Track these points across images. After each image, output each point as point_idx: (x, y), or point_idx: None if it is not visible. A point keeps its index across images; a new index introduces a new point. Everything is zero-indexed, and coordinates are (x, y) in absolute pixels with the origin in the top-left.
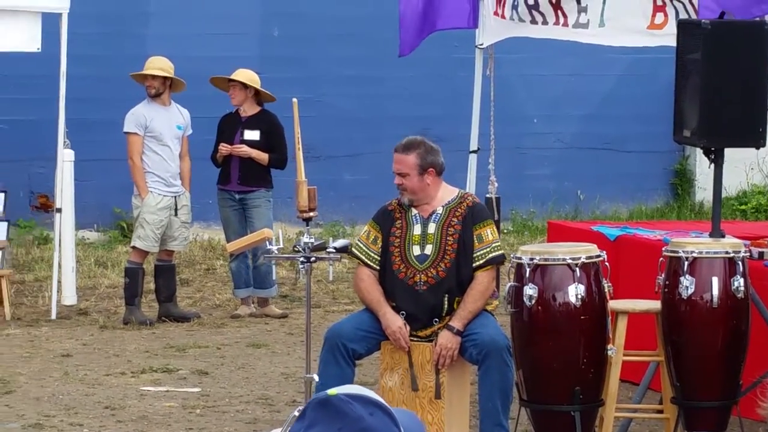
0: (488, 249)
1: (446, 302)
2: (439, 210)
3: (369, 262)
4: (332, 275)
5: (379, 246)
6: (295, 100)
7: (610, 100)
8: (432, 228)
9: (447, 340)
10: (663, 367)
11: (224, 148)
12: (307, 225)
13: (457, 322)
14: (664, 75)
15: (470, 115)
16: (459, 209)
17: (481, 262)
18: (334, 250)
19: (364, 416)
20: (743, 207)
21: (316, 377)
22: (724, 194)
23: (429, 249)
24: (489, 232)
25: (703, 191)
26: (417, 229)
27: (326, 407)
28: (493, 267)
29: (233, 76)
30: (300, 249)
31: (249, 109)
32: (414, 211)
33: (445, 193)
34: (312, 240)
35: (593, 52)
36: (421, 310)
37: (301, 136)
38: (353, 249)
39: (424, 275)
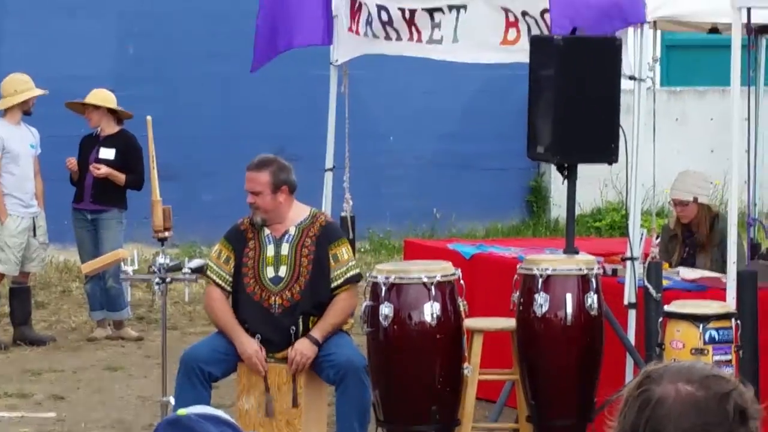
0: (345, 269)
1: (301, 324)
2: (292, 230)
3: (221, 283)
4: (188, 296)
5: (231, 266)
6: (149, 117)
7: (466, 117)
8: (285, 249)
9: (304, 347)
10: (518, 385)
11: (71, 162)
12: (163, 245)
13: (317, 333)
14: (519, 91)
15: (326, 133)
16: (312, 229)
17: (340, 282)
18: (189, 271)
19: None
20: (598, 224)
21: (172, 400)
22: (578, 211)
23: (283, 270)
24: (344, 252)
25: (558, 208)
26: (270, 250)
27: (177, 427)
28: (352, 286)
29: (87, 99)
30: (155, 270)
31: (107, 129)
32: (266, 231)
33: (297, 212)
34: (167, 260)
35: (448, 69)
36: (276, 332)
37: (158, 155)
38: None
39: (279, 297)
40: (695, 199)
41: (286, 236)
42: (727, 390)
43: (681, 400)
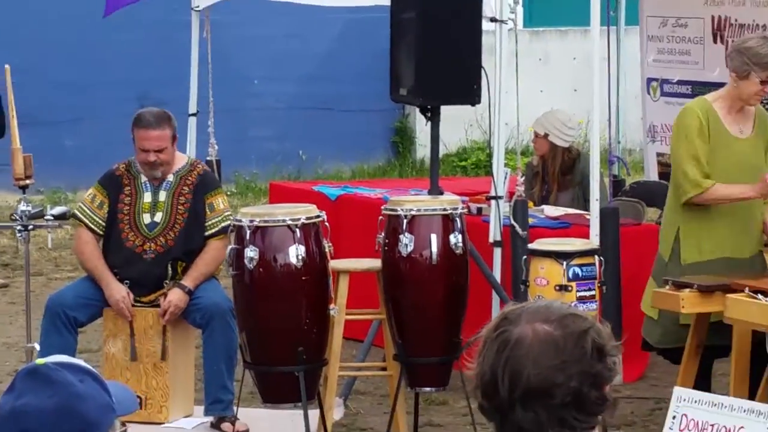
0: (220, 218)
1: (170, 269)
2: (170, 178)
3: (93, 227)
4: (52, 242)
5: (105, 211)
6: (7, 66)
7: (330, 60)
8: (163, 196)
9: (177, 297)
10: (385, 324)
11: None
12: (24, 192)
13: (188, 281)
14: (383, 34)
15: (189, 78)
16: (190, 177)
17: (214, 231)
18: (52, 218)
19: (74, 383)
20: (463, 163)
21: (37, 346)
22: (444, 151)
23: (159, 217)
24: (220, 201)
25: (424, 149)
26: (147, 197)
27: (35, 377)
28: (225, 235)
29: None
30: (17, 217)
31: None
32: (143, 177)
33: (175, 160)
34: (29, 208)
35: (310, 13)
36: (146, 277)
37: (18, 103)
38: (76, 212)
39: (154, 243)
40: (546, 135)
41: (165, 183)
42: (585, 328)
43: (539, 340)
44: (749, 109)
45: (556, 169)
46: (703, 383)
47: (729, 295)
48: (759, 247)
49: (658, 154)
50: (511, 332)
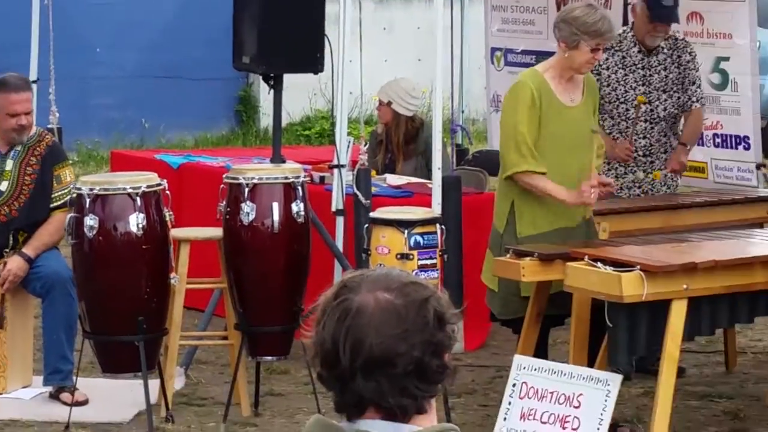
0: (67, 190)
1: (11, 238)
2: (18, 147)
3: None
4: None
5: None
6: None
7: (173, 27)
8: (9, 165)
9: (17, 265)
10: (227, 293)
11: None
12: None
13: (29, 250)
14: (227, 2)
15: (29, 45)
16: (38, 148)
17: (59, 203)
18: None
19: None
20: (307, 132)
21: None
22: (288, 120)
23: (5, 186)
24: (68, 174)
25: (267, 117)
26: None
27: None
28: (70, 208)
29: None
30: None
31: None
32: None
33: None
34: None
35: None
36: None
37: None
38: None
39: None
40: (389, 104)
41: (12, 152)
42: (426, 296)
43: (381, 308)
44: (578, 77)
45: (399, 138)
46: (540, 351)
47: (569, 264)
48: (588, 213)
49: None
50: (352, 300)
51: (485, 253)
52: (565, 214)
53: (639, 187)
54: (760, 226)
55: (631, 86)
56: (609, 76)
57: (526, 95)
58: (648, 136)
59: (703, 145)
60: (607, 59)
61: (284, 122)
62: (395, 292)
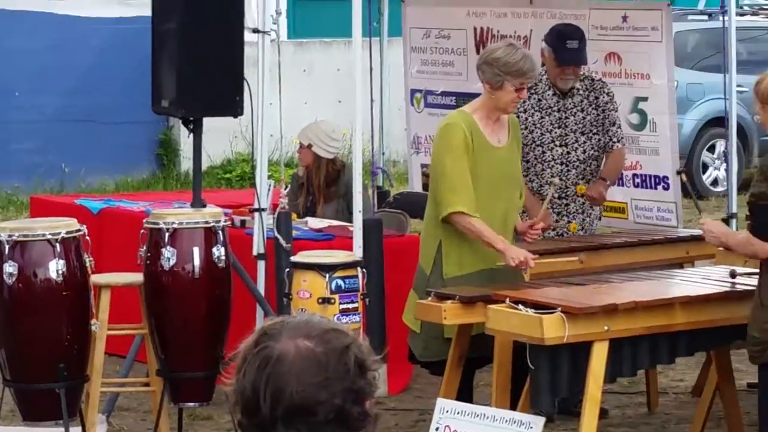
0: None
1: None
2: None
3: None
4: None
5: None
6: None
7: (93, 71)
8: None
9: None
10: (148, 339)
11: None
12: None
13: None
14: (146, 46)
15: None
16: None
17: None
18: None
19: None
20: (228, 175)
21: None
22: (209, 163)
23: None
24: None
25: (188, 161)
26: None
27: None
28: None
29: None
30: None
31: None
32: None
33: None
34: None
35: (71, 24)
36: None
37: None
38: None
39: None
40: (309, 146)
41: None
42: (346, 344)
43: (301, 356)
44: (503, 117)
45: (320, 181)
46: (464, 394)
47: (490, 306)
48: None
49: (422, 165)
50: (272, 348)
51: (407, 294)
52: (490, 255)
53: (553, 230)
54: (680, 266)
55: (547, 129)
56: (526, 119)
57: (458, 136)
58: (564, 178)
59: (623, 185)
60: (524, 102)
61: (205, 165)
62: (316, 339)
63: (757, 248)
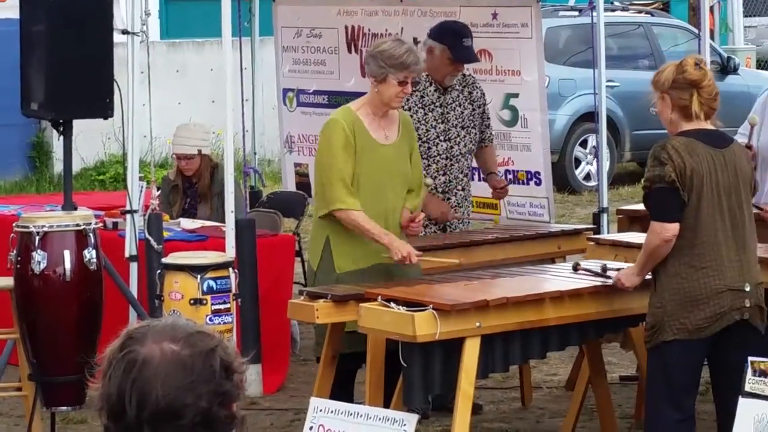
0: None
1: None
2: None
3: None
4: None
5: None
6: None
7: None
8: None
9: None
10: (19, 344)
11: None
12: None
13: None
14: (15, 48)
15: None
16: None
17: None
18: None
19: None
20: (102, 177)
21: None
22: (82, 165)
23: None
24: None
25: (61, 163)
26: None
27: None
28: None
29: None
30: None
31: None
32: None
33: None
34: None
35: None
36: None
37: None
38: None
39: None
40: (199, 152)
41: None
42: (212, 346)
43: (167, 360)
44: (393, 113)
45: (206, 182)
46: (345, 392)
47: (362, 305)
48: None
49: (296, 165)
50: (137, 352)
51: (282, 294)
52: (383, 250)
53: (435, 224)
54: (552, 261)
55: (431, 125)
56: (410, 116)
57: (339, 133)
58: (447, 173)
59: None
60: (407, 99)
61: (78, 167)
62: (181, 342)
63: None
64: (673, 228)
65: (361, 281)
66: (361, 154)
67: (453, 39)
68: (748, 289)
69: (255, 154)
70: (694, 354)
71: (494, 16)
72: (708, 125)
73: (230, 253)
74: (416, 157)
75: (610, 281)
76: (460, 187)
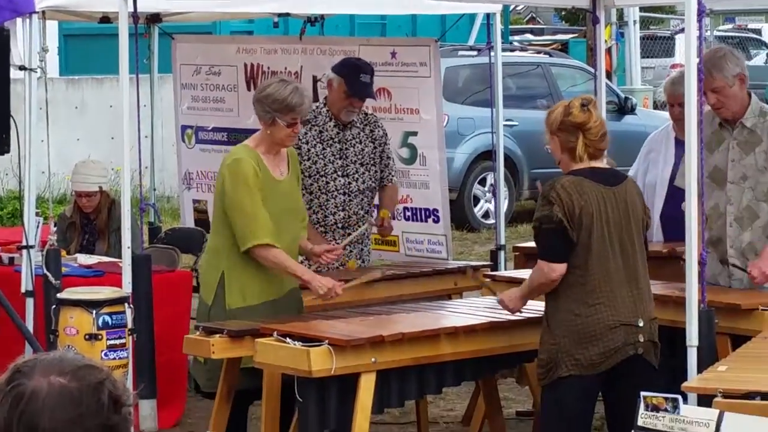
0: None
1: None
2: None
3: None
4: None
5: None
6: None
7: None
8: None
9: None
10: None
11: None
12: None
13: None
14: None
15: None
16: None
17: None
18: None
19: None
20: (0, 213)
21: None
22: None
23: None
24: None
25: None
26: None
27: None
28: None
29: None
30: None
31: None
32: None
33: None
34: None
35: None
36: None
37: None
38: None
39: None
40: (100, 189)
41: None
42: (100, 379)
43: (55, 393)
44: (283, 150)
45: (105, 217)
46: (239, 428)
47: (258, 340)
48: (295, 283)
49: (195, 201)
50: (25, 385)
51: (179, 329)
52: (273, 286)
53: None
54: (449, 297)
55: (329, 159)
56: (308, 150)
57: (250, 170)
58: (346, 208)
59: (394, 218)
60: (305, 133)
61: None
62: (69, 375)
63: (535, 277)
64: (560, 268)
65: (251, 318)
66: (264, 190)
67: (351, 72)
68: (641, 324)
69: (154, 190)
70: (589, 389)
71: (393, 54)
72: (599, 163)
73: (126, 288)
74: (299, 190)
75: (503, 318)
76: (360, 224)
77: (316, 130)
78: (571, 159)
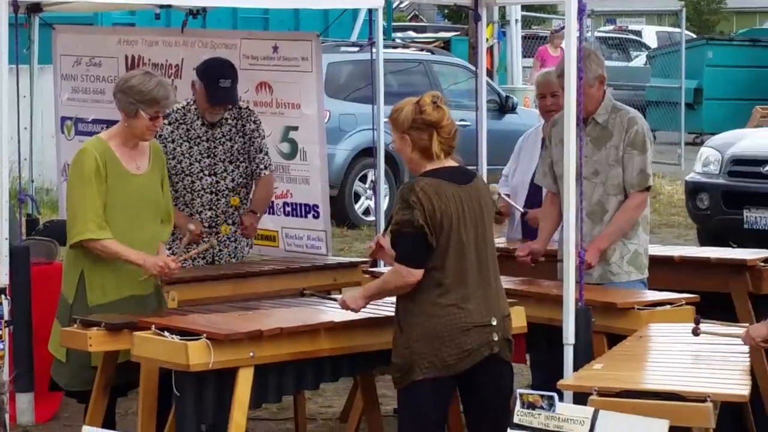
0: None
1: None
2: None
3: None
4: None
5: None
6: None
7: None
8: None
9: None
10: None
11: None
12: None
13: None
14: None
15: None
16: None
17: None
18: None
19: None
20: None
21: None
22: None
23: None
24: None
25: None
26: None
27: None
28: None
29: None
30: None
31: None
32: None
33: None
34: None
35: None
36: None
37: None
38: None
39: None
40: None
41: None
42: None
43: None
44: (144, 144)
45: None
46: (108, 422)
47: (136, 333)
48: (157, 282)
49: None
50: None
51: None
52: (136, 282)
53: (203, 258)
54: (328, 292)
55: (196, 159)
56: (174, 149)
57: (90, 163)
58: (214, 207)
59: (273, 213)
60: (172, 132)
61: None
62: None
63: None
64: (419, 273)
65: (113, 313)
66: (112, 184)
67: (210, 79)
68: (494, 323)
69: (32, 182)
70: (444, 391)
71: (275, 49)
72: (450, 162)
73: (3, 280)
74: (166, 186)
75: (382, 313)
76: (230, 222)
77: (183, 129)
78: (424, 158)
